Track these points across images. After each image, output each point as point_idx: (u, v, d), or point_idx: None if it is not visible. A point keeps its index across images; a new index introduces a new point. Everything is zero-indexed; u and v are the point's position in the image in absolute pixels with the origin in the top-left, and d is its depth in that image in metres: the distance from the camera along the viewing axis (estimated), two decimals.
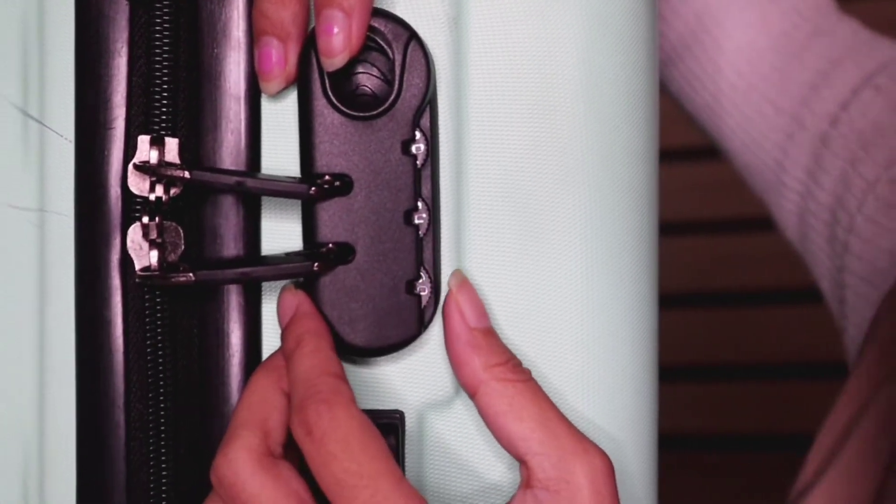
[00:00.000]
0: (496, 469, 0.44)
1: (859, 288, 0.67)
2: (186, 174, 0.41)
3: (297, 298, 0.43)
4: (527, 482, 0.42)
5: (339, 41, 0.40)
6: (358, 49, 0.41)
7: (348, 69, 0.42)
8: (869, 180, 0.66)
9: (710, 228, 1.63)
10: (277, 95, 0.43)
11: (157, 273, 0.42)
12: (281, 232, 0.44)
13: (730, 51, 0.73)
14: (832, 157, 0.70)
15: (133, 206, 0.43)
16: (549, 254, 0.44)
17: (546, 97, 0.44)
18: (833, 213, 0.70)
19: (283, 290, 0.43)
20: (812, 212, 0.72)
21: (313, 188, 0.42)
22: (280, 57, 0.42)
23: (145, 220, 0.42)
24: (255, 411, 0.41)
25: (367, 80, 0.43)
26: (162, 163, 0.42)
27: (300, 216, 0.44)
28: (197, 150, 0.43)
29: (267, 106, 0.44)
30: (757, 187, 0.76)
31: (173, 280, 0.41)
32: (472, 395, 0.43)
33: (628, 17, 0.45)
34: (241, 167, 0.43)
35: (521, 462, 0.42)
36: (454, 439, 0.44)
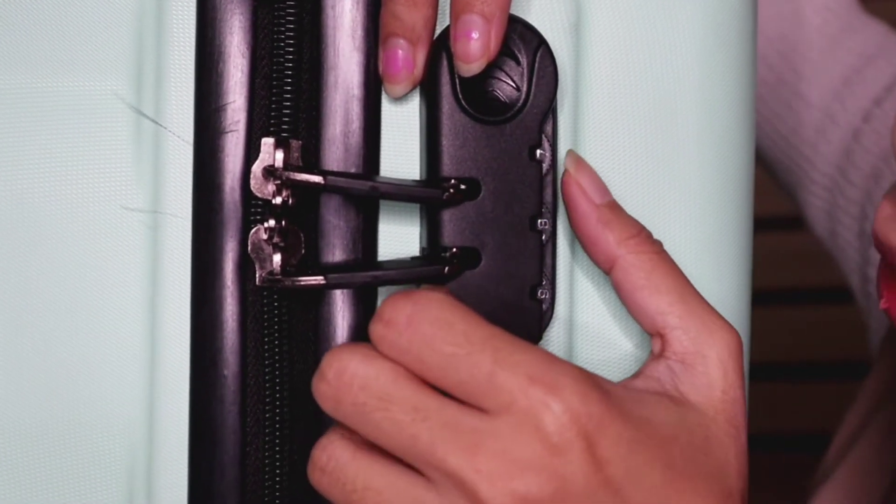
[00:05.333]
0: None
1: None
2: (320, 179, 0.40)
3: None
4: (660, 353, 0.42)
5: (477, 47, 0.40)
6: (495, 55, 0.40)
7: (478, 73, 0.41)
8: None
9: None
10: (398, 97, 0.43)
11: (281, 276, 0.41)
12: (394, 235, 0.44)
13: (761, 45, 0.73)
14: (863, 152, 0.71)
15: (251, 209, 0.42)
16: None
17: (663, 104, 0.44)
18: (862, 208, 0.71)
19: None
20: (841, 207, 0.73)
21: (447, 193, 0.41)
22: (408, 59, 0.41)
23: (270, 223, 0.41)
24: None
25: (496, 84, 0.42)
26: (289, 166, 0.41)
27: (415, 219, 0.43)
28: (317, 151, 0.42)
29: (385, 107, 0.43)
30: (783, 184, 0.77)
31: (303, 283, 0.41)
32: (609, 271, 0.42)
33: (739, 23, 0.45)
34: (361, 170, 0.42)
35: (656, 335, 0.42)
36: None
